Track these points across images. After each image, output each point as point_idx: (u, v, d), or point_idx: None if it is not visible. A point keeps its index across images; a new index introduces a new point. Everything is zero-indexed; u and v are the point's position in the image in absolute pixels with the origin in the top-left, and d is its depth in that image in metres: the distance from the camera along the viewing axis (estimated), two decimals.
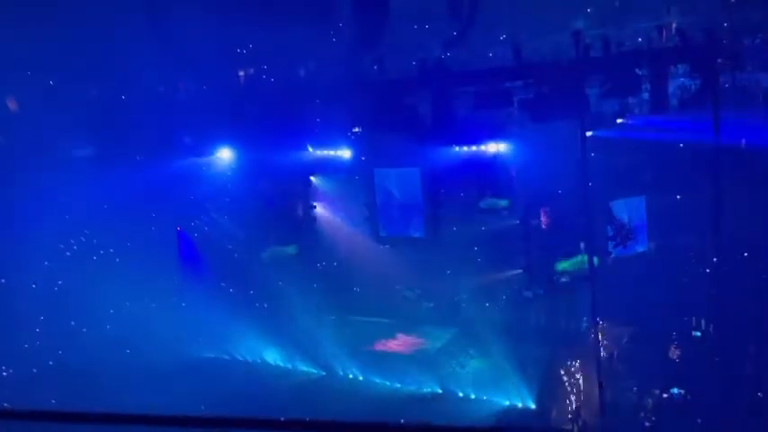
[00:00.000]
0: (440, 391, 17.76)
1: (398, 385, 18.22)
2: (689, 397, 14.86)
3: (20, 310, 17.62)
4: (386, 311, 20.31)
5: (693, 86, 15.78)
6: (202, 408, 13.91)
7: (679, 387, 15.05)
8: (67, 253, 18.87)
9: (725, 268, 15.31)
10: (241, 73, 18.94)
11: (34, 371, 17.85)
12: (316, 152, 20.17)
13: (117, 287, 18.31)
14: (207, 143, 19.71)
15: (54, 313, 18.03)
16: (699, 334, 16.19)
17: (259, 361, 20.03)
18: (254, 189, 20.39)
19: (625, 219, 17.64)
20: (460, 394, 17.48)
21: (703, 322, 16.16)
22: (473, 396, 17.34)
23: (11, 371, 17.96)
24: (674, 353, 16.07)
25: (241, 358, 20.19)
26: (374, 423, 3.04)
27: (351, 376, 18.85)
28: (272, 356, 19.85)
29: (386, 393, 17.87)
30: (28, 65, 16.99)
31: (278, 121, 17.93)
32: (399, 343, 19.96)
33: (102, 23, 16.32)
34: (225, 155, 20.30)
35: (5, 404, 13.11)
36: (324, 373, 19.06)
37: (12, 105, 18.59)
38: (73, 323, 17.72)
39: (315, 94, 17.94)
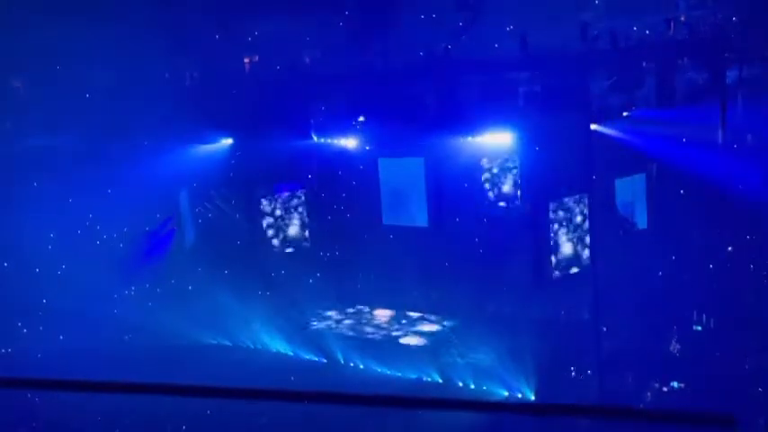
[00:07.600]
0: None
1: None
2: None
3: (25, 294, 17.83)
4: None
5: (700, 80, 15.70)
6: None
7: None
8: (71, 239, 18.93)
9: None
10: (246, 60, 18.92)
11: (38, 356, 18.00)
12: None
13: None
14: (209, 131, 19.52)
15: (58, 297, 18.13)
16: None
17: (266, 348, 19.87)
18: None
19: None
20: None
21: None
22: None
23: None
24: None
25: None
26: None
27: None
28: (276, 343, 19.73)
29: None
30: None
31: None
32: None
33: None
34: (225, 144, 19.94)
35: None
36: None
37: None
38: (76, 307, 17.77)
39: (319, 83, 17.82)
